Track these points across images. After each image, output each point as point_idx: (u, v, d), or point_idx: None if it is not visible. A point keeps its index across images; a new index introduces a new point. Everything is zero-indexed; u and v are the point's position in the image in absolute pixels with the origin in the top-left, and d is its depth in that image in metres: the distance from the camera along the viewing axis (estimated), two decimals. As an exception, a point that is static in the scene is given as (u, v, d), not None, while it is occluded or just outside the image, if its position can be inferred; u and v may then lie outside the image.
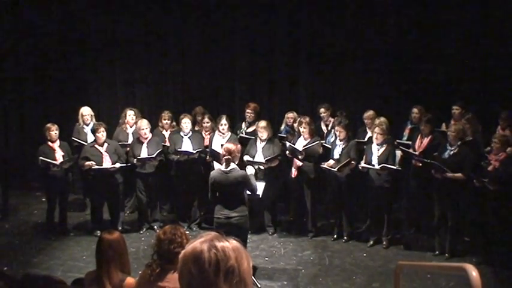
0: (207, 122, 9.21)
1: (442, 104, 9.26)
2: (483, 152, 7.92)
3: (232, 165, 6.71)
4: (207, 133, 9.16)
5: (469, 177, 7.39)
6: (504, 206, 7.25)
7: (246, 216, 6.78)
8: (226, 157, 6.67)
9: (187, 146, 8.83)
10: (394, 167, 7.95)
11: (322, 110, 9.41)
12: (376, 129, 8.06)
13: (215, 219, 6.82)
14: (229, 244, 1.93)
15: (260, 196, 7.58)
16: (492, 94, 9.54)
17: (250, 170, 7.10)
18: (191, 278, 1.90)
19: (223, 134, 8.83)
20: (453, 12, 9.75)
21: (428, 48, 9.98)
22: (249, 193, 6.90)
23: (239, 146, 7.11)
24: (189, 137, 8.90)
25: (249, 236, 8.42)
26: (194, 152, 8.74)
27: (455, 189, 7.53)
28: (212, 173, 6.95)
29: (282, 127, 9.55)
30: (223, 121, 8.85)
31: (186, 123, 8.91)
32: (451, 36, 9.84)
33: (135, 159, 8.74)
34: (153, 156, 8.68)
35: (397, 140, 8.70)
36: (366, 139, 8.81)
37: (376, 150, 8.05)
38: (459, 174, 7.43)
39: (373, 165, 7.99)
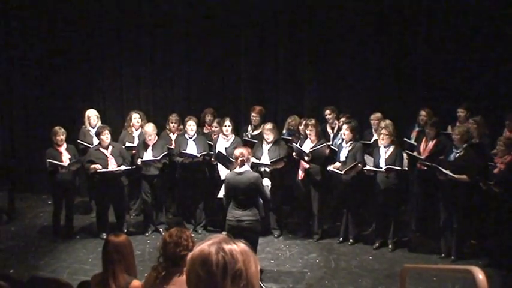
0: (216, 127, 9.23)
1: (448, 105, 9.22)
2: (490, 154, 7.88)
3: (246, 167, 6.76)
4: (215, 136, 9.18)
5: (475, 179, 7.37)
6: (510, 208, 7.22)
7: (258, 220, 6.77)
8: (240, 158, 6.72)
9: (192, 148, 8.83)
10: (399, 168, 7.93)
11: (327, 112, 9.42)
12: (383, 131, 8.05)
13: (227, 221, 6.83)
14: (237, 247, 1.94)
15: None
16: (500, 96, 9.49)
17: (266, 182, 7.10)
18: (198, 280, 1.90)
19: (227, 136, 8.84)
20: (458, 12, 9.74)
21: (433, 49, 9.96)
22: (261, 202, 6.90)
23: (249, 149, 7.16)
24: (194, 140, 8.91)
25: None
26: (198, 155, 8.75)
27: (461, 191, 7.50)
28: (226, 175, 7.10)
29: (284, 131, 9.55)
30: (227, 123, 8.86)
31: (191, 125, 8.91)
32: (457, 36, 9.84)
33: (139, 161, 8.75)
34: (158, 158, 8.70)
35: (405, 139, 8.70)
36: (371, 141, 8.81)
37: (384, 153, 8.04)
38: (464, 177, 7.40)
39: (380, 168, 7.98)
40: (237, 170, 6.78)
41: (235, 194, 6.76)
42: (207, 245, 1.94)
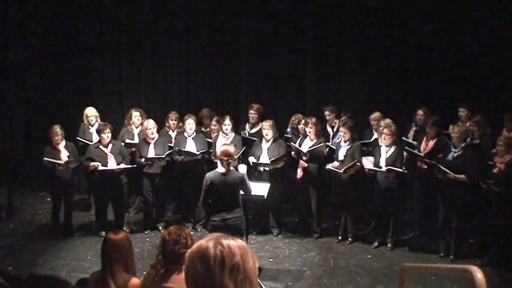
0: (214, 125, 9.23)
1: (449, 105, 9.22)
2: (489, 154, 7.87)
3: (231, 167, 6.71)
4: (214, 135, 9.17)
5: (473, 179, 7.37)
6: (509, 207, 7.23)
7: (242, 217, 6.75)
8: (228, 160, 6.60)
9: (191, 147, 8.84)
10: (401, 170, 7.92)
11: (326, 112, 9.41)
12: (385, 131, 8.04)
13: (210, 222, 6.75)
14: (235, 242, 1.95)
15: (265, 197, 7.57)
16: (500, 96, 9.47)
17: (242, 169, 7.06)
18: (197, 275, 1.92)
19: (227, 134, 8.83)
20: (458, 12, 9.74)
21: (433, 49, 9.96)
22: (243, 194, 6.82)
23: (233, 147, 7.04)
24: (192, 138, 8.91)
25: (253, 237, 8.52)
26: (197, 153, 8.74)
27: (460, 191, 7.50)
28: (208, 175, 6.80)
29: (288, 129, 9.55)
30: (227, 121, 8.86)
31: (190, 124, 8.92)
32: (456, 36, 9.82)
33: (143, 159, 8.74)
34: (163, 156, 8.69)
35: (403, 138, 8.68)
36: (372, 140, 8.81)
37: (385, 152, 8.03)
38: (462, 176, 7.40)
39: (381, 167, 7.97)
40: (221, 170, 6.67)
41: (219, 194, 6.65)
42: (205, 240, 1.96)
